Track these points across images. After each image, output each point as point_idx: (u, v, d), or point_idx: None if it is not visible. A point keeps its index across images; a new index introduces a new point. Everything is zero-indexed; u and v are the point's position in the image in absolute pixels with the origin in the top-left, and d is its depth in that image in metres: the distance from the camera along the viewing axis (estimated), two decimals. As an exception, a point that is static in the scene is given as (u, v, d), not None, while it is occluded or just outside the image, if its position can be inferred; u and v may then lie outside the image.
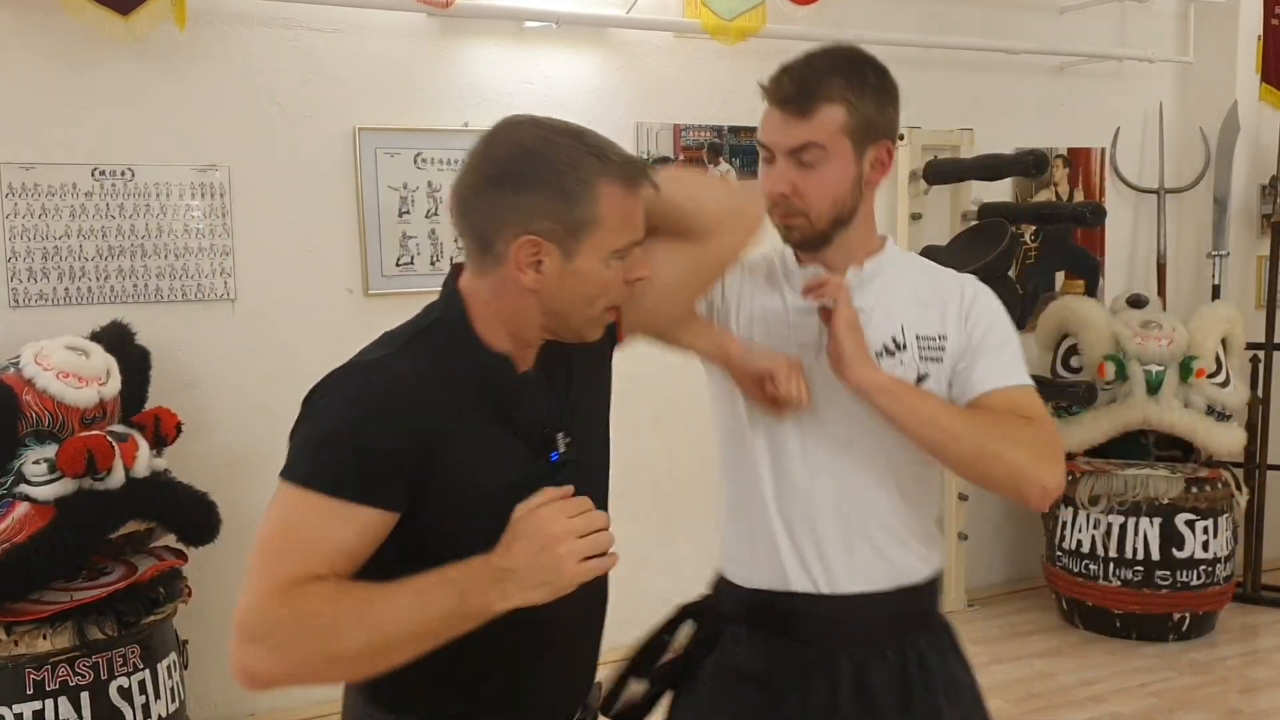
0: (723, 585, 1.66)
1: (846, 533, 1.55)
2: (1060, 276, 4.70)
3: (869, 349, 1.48)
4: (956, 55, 4.33)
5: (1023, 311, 4.36)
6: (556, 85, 3.69)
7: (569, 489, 1.22)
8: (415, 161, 3.52)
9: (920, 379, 1.53)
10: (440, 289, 1.38)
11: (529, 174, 1.24)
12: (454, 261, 1.43)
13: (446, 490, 1.26)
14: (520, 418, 1.34)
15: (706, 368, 1.67)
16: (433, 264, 3.55)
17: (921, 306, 1.57)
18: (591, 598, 1.42)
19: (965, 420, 1.49)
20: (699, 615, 1.67)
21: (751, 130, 4.00)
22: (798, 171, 1.49)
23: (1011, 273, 4.11)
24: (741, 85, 3.99)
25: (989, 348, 1.55)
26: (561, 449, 1.37)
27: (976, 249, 3.85)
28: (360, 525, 1.21)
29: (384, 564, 1.22)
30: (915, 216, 4.19)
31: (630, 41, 3.80)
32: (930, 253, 4.09)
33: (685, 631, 1.66)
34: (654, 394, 3.76)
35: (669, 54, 3.86)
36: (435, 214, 3.54)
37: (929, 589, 1.61)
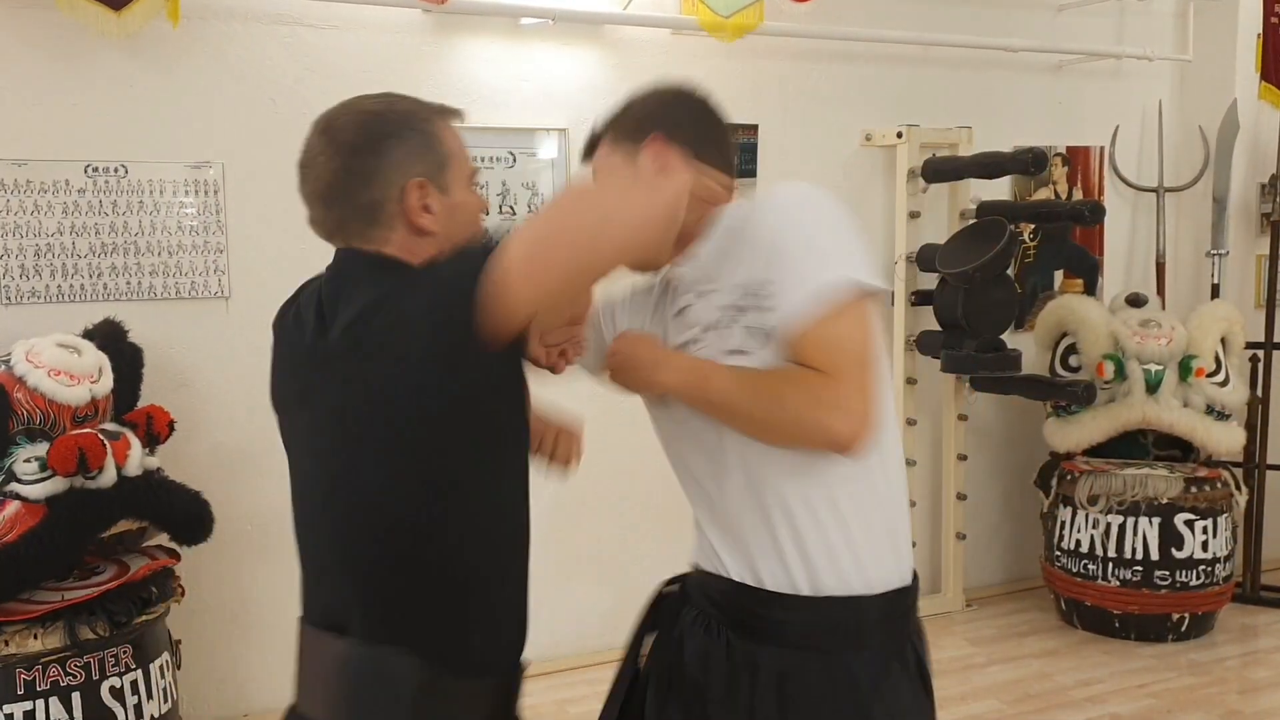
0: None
1: (766, 530, 1.50)
2: (1059, 275, 4.69)
3: (658, 352, 1.53)
4: (955, 53, 4.32)
5: (1021, 310, 4.35)
6: (553, 82, 3.68)
7: None
8: (411, 159, 3.50)
9: (769, 334, 1.44)
10: (356, 268, 1.40)
11: (392, 133, 1.39)
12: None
13: None
14: None
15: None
16: (428, 262, 3.53)
17: (748, 257, 1.48)
18: None
19: (740, 389, 1.43)
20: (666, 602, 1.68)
21: (750, 128, 3.98)
22: None
23: (1010, 271, 4.10)
24: (739, 83, 3.98)
25: (782, 269, 1.43)
26: None
27: (975, 247, 3.83)
28: None
29: None
30: (914, 215, 4.17)
31: (627, 38, 3.78)
32: (929, 251, 4.08)
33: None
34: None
35: (666, 51, 3.84)
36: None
37: (861, 604, 1.50)
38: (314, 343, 1.37)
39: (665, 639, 1.62)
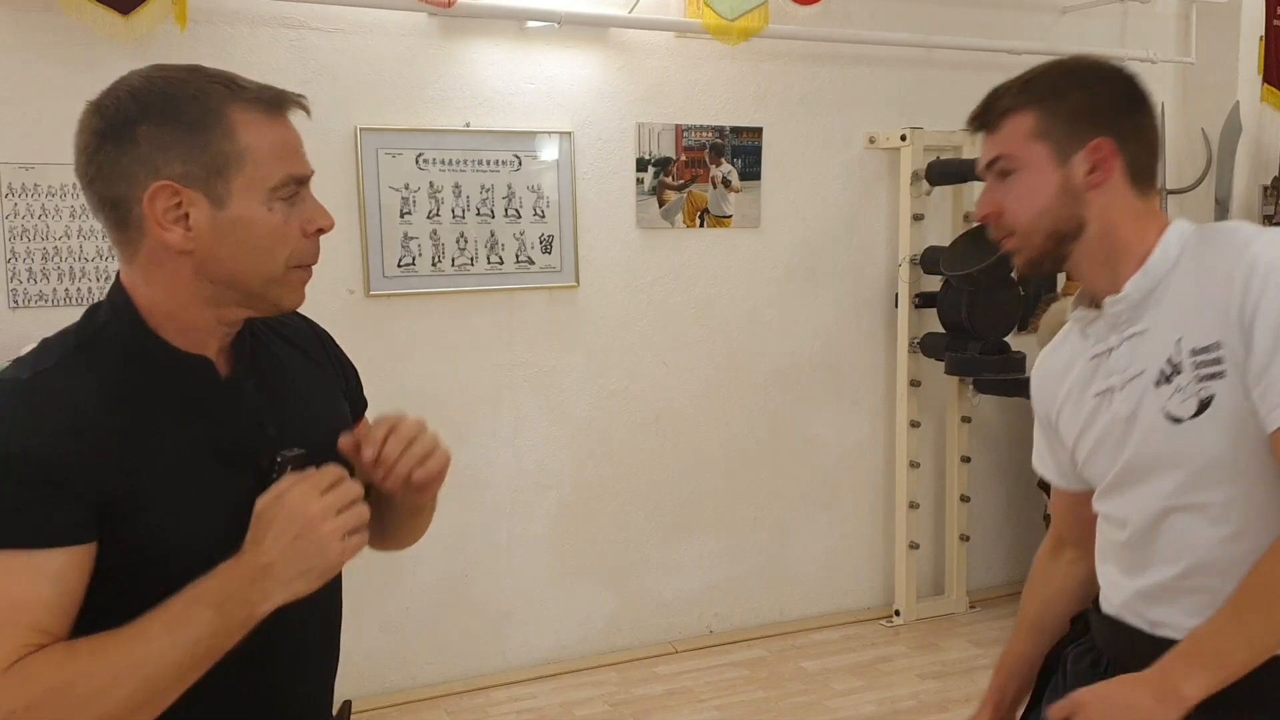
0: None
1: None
2: (1062, 277, 4.69)
3: (1149, 689, 1.28)
4: (958, 56, 4.33)
5: (1025, 312, 4.36)
6: (558, 85, 3.69)
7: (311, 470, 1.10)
8: (417, 162, 3.51)
9: (1203, 406, 1.31)
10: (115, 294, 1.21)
11: (144, 114, 1.07)
12: None
13: (153, 531, 1.09)
14: (232, 437, 1.16)
15: None
16: (434, 265, 3.55)
17: (1200, 307, 1.33)
18: (324, 594, 1.18)
19: (1247, 621, 1.28)
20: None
21: (754, 131, 3.99)
22: (998, 188, 1.45)
23: (1013, 274, 4.10)
24: (743, 85, 3.99)
25: (1276, 358, 1.25)
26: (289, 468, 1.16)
27: (979, 250, 3.84)
28: (54, 573, 1.03)
29: (104, 611, 1.07)
30: (917, 217, 4.18)
31: (632, 41, 3.79)
32: (933, 253, 4.09)
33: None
34: (655, 396, 3.75)
35: (671, 54, 3.85)
36: (437, 215, 3.54)
37: None
38: None
39: None
